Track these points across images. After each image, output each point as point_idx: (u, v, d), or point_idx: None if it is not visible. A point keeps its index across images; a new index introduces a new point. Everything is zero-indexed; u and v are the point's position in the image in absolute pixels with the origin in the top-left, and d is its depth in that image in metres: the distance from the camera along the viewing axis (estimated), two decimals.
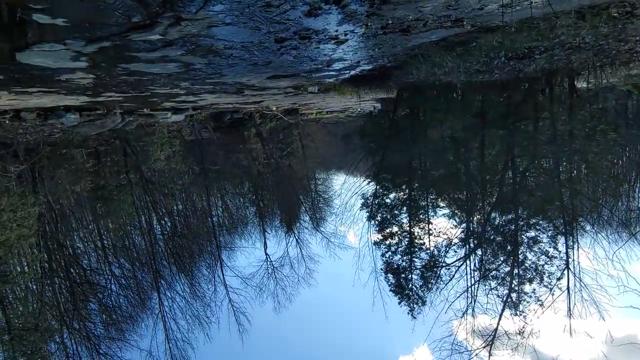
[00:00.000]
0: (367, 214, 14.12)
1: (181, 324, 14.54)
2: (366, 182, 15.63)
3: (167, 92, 10.18)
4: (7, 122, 10.80)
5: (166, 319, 14.33)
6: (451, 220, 12.87)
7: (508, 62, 8.24)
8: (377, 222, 13.91)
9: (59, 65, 5.74)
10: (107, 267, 14.66)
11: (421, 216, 13.30)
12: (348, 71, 9.84)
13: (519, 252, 11.06)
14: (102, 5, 3.87)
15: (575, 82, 11.15)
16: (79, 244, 15.28)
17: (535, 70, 9.28)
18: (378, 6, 4.30)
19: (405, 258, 12.65)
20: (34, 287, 12.30)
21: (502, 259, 11.22)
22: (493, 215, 11.91)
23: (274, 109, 18.56)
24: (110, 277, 14.51)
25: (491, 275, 11.05)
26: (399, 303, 12.18)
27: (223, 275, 16.63)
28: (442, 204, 13.52)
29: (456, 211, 12.97)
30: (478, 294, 10.98)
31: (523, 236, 11.57)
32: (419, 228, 13.12)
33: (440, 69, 8.39)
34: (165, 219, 16.45)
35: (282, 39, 5.33)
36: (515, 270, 10.86)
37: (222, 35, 5.08)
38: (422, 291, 11.85)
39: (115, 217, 15.54)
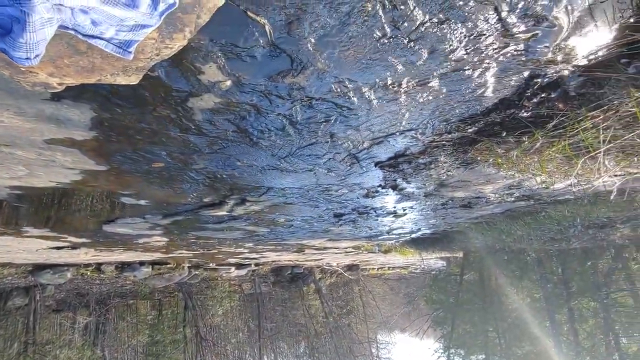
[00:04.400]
0: None
1: None
2: (436, 356, 13.63)
3: (232, 251, 10.63)
4: (88, 273, 11.69)
5: None
6: None
7: (586, 231, 7.58)
8: None
9: (138, 232, 6.32)
10: None
11: None
12: (409, 235, 9.70)
13: None
14: (179, 190, 4.34)
15: None
16: None
17: (622, 237, 8.39)
18: (436, 189, 4.34)
19: None
20: None
21: None
22: None
23: (335, 264, 18.38)
24: None
25: None
26: None
27: None
28: None
29: None
30: None
31: None
32: None
33: (508, 236, 7.91)
34: None
35: (340, 214, 5.49)
36: None
37: (283, 212, 5.37)
38: None
39: None
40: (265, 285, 17.99)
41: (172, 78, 1.93)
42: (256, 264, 14.80)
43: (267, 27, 1.58)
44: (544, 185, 4.46)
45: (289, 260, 14.92)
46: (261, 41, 1.68)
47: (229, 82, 1.99)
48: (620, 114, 1.94)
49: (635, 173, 2.71)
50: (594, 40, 1.84)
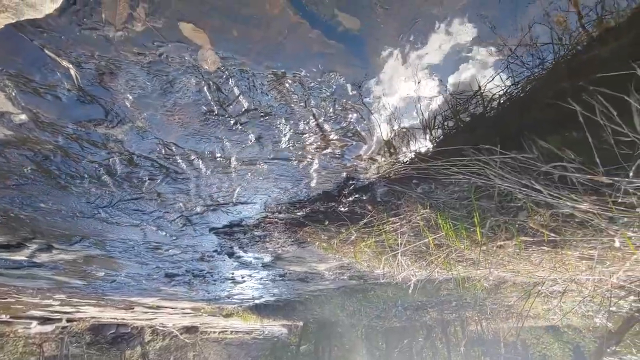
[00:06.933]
0: None
1: None
2: None
3: (37, 302, 8.64)
4: None
5: None
6: None
7: (405, 312, 8.52)
8: None
9: None
10: None
11: None
12: (251, 300, 9.42)
13: None
14: None
15: (468, 331, 11.68)
16: None
17: (431, 319, 9.67)
18: (273, 261, 4.34)
19: None
20: None
21: None
22: None
23: (171, 325, 16.52)
24: None
25: None
26: None
27: None
28: None
29: None
30: None
31: None
32: None
33: (342, 310, 8.34)
34: None
35: (173, 274, 5.01)
36: None
37: (103, 265, 4.64)
38: None
39: None
40: (77, 346, 14.89)
41: None
42: (69, 320, 12.27)
43: (72, 71, 1.41)
44: (368, 269, 4.89)
45: (113, 318, 12.83)
46: (66, 83, 1.49)
47: (23, 116, 1.69)
48: (412, 224, 2.29)
49: (428, 272, 3.18)
50: (395, 160, 2.17)
